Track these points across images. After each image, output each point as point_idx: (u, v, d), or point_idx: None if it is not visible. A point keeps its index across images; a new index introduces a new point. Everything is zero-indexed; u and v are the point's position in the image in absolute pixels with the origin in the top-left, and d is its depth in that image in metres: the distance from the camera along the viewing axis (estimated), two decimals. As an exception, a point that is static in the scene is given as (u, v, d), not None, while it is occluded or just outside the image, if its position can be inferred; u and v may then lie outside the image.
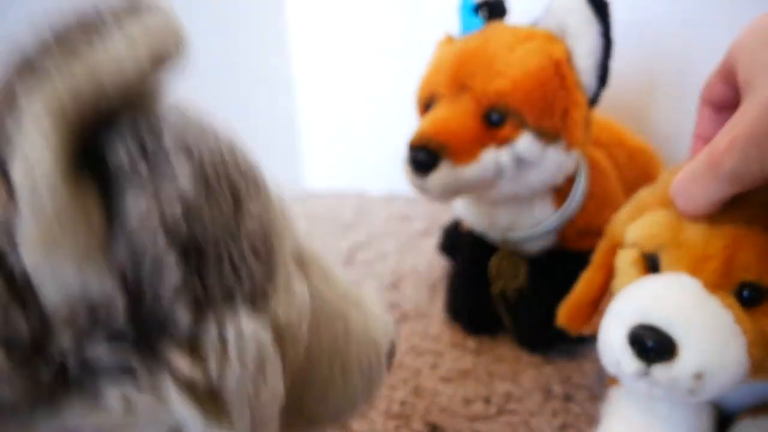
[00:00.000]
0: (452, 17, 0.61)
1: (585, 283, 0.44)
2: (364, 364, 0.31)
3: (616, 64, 0.56)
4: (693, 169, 0.34)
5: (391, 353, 0.33)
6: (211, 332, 0.20)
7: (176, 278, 0.19)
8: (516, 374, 0.59)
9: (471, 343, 0.64)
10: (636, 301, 0.36)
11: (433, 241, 0.82)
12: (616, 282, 0.40)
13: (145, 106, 0.21)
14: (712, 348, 0.33)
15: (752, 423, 0.39)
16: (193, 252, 0.20)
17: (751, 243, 0.34)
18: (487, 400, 0.56)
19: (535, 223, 0.61)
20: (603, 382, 0.53)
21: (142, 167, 0.19)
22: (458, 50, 0.58)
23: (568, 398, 0.53)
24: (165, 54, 0.20)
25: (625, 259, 0.39)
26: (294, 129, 0.99)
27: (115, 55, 0.18)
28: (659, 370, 0.33)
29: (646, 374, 0.34)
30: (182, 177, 0.20)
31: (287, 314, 0.24)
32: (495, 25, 0.59)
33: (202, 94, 0.87)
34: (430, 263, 0.79)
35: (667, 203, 0.38)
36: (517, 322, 0.63)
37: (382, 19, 0.89)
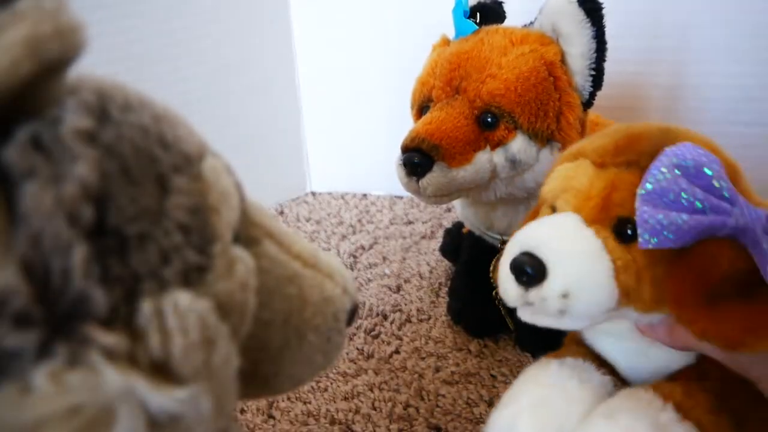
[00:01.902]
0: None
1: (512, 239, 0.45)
2: (320, 325, 0.31)
3: (610, 66, 0.56)
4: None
5: (352, 312, 0.34)
6: (144, 308, 0.21)
7: (83, 260, 0.20)
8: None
9: (474, 345, 0.64)
10: (519, 236, 0.39)
11: (436, 243, 0.83)
12: None
13: (45, 105, 0.21)
14: (578, 270, 0.36)
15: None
16: (105, 233, 0.20)
17: (627, 183, 0.36)
18: (490, 403, 0.56)
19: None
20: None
21: (37, 159, 0.20)
22: (453, 53, 0.58)
23: (570, 400, 0.53)
24: (52, 58, 0.20)
25: (541, 214, 0.42)
26: (299, 133, 0.99)
27: None
28: (533, 293, 0.36)
29: (527, 302, 0.37)
30: (82, 162, 0.20)
31: (228, 286, 0.24)
32: (490, 28, 0.59)
33: (210, 101, 0.88)
34: (434, 266, 0.79)
35: (572, 158, 0.41)
36: (517, 326, 0.63)
37: (386, 25, 0.89)
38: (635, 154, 0.37)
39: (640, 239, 0.34)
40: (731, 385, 0.37)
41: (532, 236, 0.38)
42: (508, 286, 0.38)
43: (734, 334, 0.33)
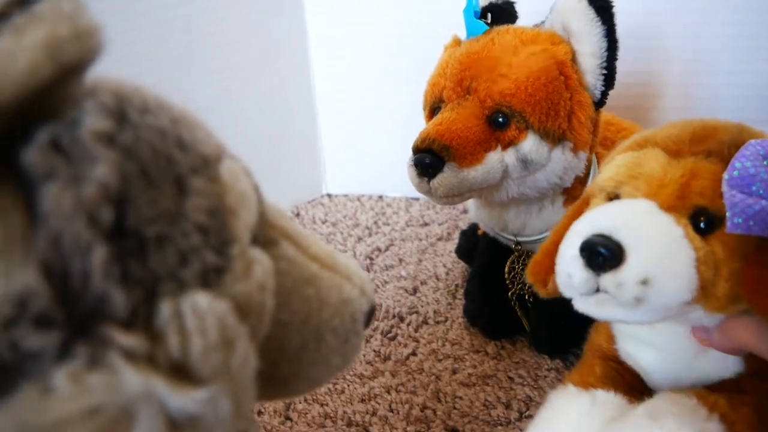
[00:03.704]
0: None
1: (552, 235, 0.43)
2: (338, 326, 0.31)
3: (622, 66, 0.56)
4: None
5: (370, 313, 0.34)
6: (163, 310, 0.21)
7: (103, 261, 0.20)
8: (536, 379, 0.59)
9: (491, 347, 0.63)
10: (590, 218, 0.36)
11: (452, 245, 0.82)
12: None
13: (64, 107, 0.21)
14: (660, 254, 0.33)
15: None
16: (125, 235, 0.21)
17: (708, 172, 0.34)
18: (507, 405, 0.56)
19: (546, 226, 0.60)
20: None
21: (57, 161, 0.20)
22: (464, 53, 0.58)
23: (589, 402, 0.53)
24: (70, 60, 0.20)
25: (593, 205, 0.39)
26: (315, 135, 0.99)
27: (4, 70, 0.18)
28: (607, 278, 0.33)
29: (595, 290, 0.34)
30: (101, 164, 0.20)
31: (246, 287, 0.24)
32: (501, 28, 0.59)
33: (226, 103, 0.89)
34: (450, 267, 0.79)
35: (637, 146, 0.39)
36: (533, 328, 0.62)
37: (401, 27, 0.89)
38: (717, 143, 0.36)
39: (728, 223, 0.32)
40: (767, 402, 0.36)
41: (605, 218, 0.35)
42: (573, 271, 0.35)
43: None
